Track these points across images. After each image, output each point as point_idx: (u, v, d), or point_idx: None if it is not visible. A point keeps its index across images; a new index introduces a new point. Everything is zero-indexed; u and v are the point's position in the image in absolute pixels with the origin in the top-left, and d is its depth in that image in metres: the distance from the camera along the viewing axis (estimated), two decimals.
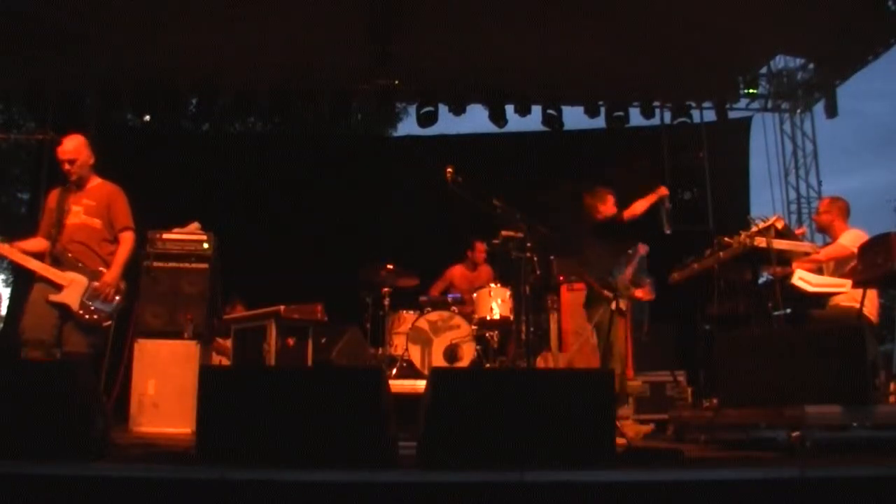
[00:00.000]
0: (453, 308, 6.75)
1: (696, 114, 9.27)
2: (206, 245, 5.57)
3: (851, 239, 4.91)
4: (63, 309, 4.34)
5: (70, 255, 4.45)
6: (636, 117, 9.10)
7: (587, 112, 9.02)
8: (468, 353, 6.41)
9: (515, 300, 6.35)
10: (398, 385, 5.61)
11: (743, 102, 9.45)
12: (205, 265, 5.55)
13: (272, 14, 7.60)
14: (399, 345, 6.61)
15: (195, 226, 5.68)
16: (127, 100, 8.60)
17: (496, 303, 6.48)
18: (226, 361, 6.54)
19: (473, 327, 6.50)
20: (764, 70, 9.37)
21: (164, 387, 5.14)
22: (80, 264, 4.44)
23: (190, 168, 8.98)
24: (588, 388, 2.94)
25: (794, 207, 9.36)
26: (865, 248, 4.45)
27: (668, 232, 5.63)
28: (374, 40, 8.05)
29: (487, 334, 6.65)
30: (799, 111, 9.45)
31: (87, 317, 4.36)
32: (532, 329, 5.34)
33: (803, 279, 4.68)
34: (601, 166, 7.77)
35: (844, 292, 4.74)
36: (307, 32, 7.84)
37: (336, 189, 9.04)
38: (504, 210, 5.10)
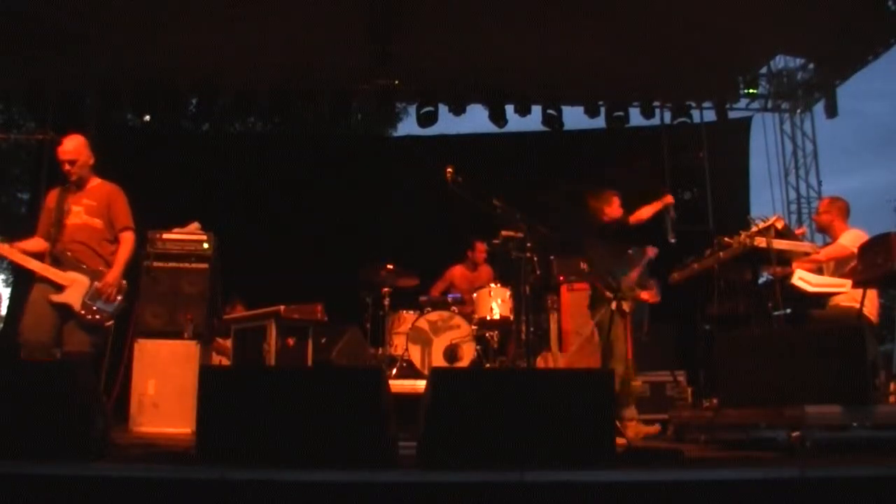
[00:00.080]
0: (453, 308, 6.74)
1: (696, 114, 9.28)
2: (206, 245, 5.58)
3: (851, 239, 4.91)
4: (65, 309, 4.34)
5: (71, 255, 4.44)
6: (636, 117, 9.13)
7: (587, 112, 9.02)
8: (468, 353, 6.41)
9: (515, 300, 6.35)
10: (398, 385, 5.62)
11: (743, 102, 9.46)
12: (205, 265, 5.56)
13: (272, 14, 7.60)
14: (399, 345, 6.61)
15: (195, 226, 5.69)
16: (127, 100, 8.60)
17: (496, 303, 6.48)
18: (226, 361, 6.54)
19: (473, 327, 6.49)
20: (764, 70, 9.37)
21: (164, 387, 5.15)
22: (81, 264, 4.44)
23: (190, 168, 8.98)
24: (588, 388, 2.94)
25: (794, 207, 9.37)
26: (865, 249, 4.45)
27: (672, 241, 5.66)
28: (374, 40, 8.05)
29: (487, 334, 6.65)
30: (799, 111, 9.45)
31: (89, 317, 4.36)
32: (532, 329, 5.33)
33: (803, 279, 4.68)
34: (601, 166, 7.76)
35: (844, 292, 4.74)
36: (307, 32, 7.84)
37: (336, 189, 9.04)
38: (504, 210, 5.09)
